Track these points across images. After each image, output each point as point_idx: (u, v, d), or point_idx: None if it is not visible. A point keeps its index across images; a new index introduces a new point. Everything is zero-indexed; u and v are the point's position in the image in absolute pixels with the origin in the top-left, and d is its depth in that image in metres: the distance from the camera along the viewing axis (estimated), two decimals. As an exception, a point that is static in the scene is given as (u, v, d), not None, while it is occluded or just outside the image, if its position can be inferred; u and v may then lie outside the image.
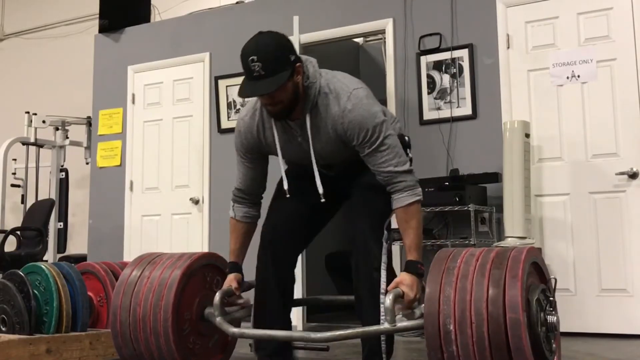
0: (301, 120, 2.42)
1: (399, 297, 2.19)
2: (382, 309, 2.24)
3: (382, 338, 2.37)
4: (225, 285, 2.52)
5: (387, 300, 2.15)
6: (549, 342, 2.05)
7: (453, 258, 2.03)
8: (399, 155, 2.37)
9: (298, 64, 2.33)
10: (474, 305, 1.89)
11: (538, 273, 2.13)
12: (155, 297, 2.41)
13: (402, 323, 2.16)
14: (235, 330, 2.39)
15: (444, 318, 1.91)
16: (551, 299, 2.09)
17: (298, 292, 4.48)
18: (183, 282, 2.45)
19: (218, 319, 2.42)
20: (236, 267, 2.57)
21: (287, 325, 2.63)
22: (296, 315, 4.41)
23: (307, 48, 4.74)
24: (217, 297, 2.43)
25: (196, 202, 5.24)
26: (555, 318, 2.05)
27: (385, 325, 2.15)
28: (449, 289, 1.94)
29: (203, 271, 2.59)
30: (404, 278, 2.26)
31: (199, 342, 2.53)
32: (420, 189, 2.38)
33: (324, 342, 2.29)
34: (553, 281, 2.15)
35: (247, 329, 2.45)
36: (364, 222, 2.44)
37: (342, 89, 2.38)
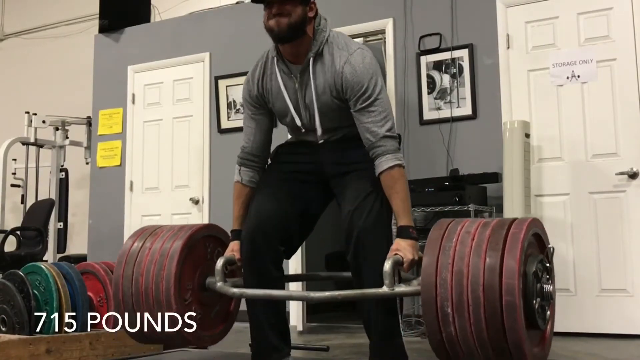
0: (304, 65, 2.46)
1: (398, 264, 2.21)
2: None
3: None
4: (228, 253, 2.51)
5: (386, 266, 2.17)
6: (544, 311, 2.08)
7: (448, 236, 2.03)
8: (387, 120, 2.41)
9: (313, 2, 2.45)
10: (471, 289, 1.91)
11: (538, 242, 2.16)
12: (157, 267, 2.42)
13: (401, 288, 2.18)
14: (235, 290, 2.41)
15: (441, 302, 1.95)
16: (548, 265, 2.13)
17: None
18: (184, 253, 2.46)
19: (219, 284, 2.43)
20: (239, 235, 2.52)
21: (278, 325, 2.53)
22: (296, 315, 4.41)
23: (307, 48, 4.74)
24: (219, 263, 2.44)
25: (196, 202, 5.25)
26: (551, 287, 2.09)
27: (384, 289, 2.17)
28: (445, 271, 1.96)
29: (204, 242, 2.59)
30: (399, 244, 2.28)
31: (200, 312, 2.54)
32: (401, 155, 2.42)
33: (323, 301, 2.32)
34: (551, 249, 2.20)
35: (248, 289, 2.44)
36: (364, 220, 2.35)
37: (351, 45, 2.48)
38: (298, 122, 2.54)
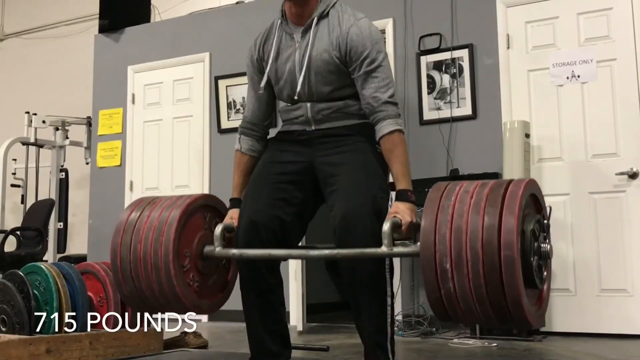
0: (307, 25, 2.48)
1: (396, 225, 2.22)
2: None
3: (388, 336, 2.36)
4: (226, 220, 2.51)
5: (385, 227, 2.18)
6: (540, 271, 2.10)
7: (447, 196, 2.05)
8: (389, 86, 2.43)
9: None
10: (470, 245, 1.92)
11: (534, 203, 2.18)
12: (156, 234, 2.42)
13: (399, 249, 2.20)
14: (235, 251, 2.41)
15: (440, 258, 1.96)
16: (546, 222, 2.15)
17: (298, 292, 4.50)
18: (183, 220, 2.45)
19: (218, 249, 2.43)
20: (238, 203, 2.53)
21: (277, 330, 2.52)
22: (296, 315, 4.41)
23: (307, 48, 4.74)
24: (218, 229, 2.45)
25: (196, 202, 5.25)
26: (548, 246, 2.11)
27: (383, 249, 2.19)
28: (444, 228, 1.97)
29: (202, 211, 2.58)
30: (397, 206, 2.29)
31: (198, 280, 2.53)
32: (401, 121, 2.44)
33: (322, 259, 2.31)
34: (548, 209, 2.22)
35: (247, 250, 2.43)
36: (363, 228, 2.30)
37: (358, 14, 2.54)
38: (298, 86, 2.49)
